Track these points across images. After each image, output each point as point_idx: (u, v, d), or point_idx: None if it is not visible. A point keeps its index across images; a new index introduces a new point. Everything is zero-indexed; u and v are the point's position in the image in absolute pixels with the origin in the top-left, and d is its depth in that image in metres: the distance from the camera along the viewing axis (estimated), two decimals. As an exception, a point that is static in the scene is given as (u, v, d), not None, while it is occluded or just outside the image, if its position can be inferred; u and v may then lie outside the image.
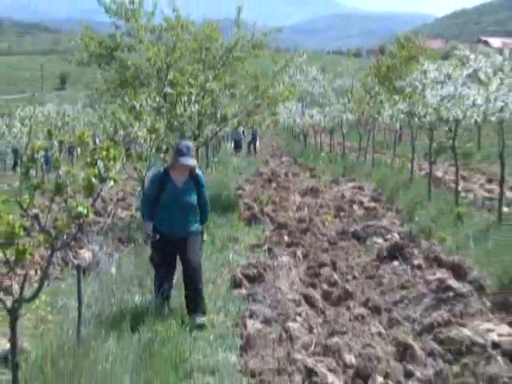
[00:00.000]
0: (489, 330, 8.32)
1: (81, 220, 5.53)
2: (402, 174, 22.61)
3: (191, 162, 8.85)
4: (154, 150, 13.25)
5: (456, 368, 7.50)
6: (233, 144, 41.93)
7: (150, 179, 9.63)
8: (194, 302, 8.88)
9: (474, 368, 7.37)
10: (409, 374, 7.37)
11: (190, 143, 9.18)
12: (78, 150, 37.28)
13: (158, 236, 8.96)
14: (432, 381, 7.26)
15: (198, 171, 9.21)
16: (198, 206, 9.20)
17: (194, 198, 9.08)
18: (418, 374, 7.40)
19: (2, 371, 7.48)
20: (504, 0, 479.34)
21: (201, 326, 8.68)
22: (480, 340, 7.97)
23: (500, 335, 8.19)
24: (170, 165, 9.20)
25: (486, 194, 18.62)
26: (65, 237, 5.51)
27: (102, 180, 5.66)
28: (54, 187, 5.64)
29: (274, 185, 24.61)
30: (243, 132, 41.80)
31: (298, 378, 7.16)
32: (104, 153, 5.61)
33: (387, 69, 47.90)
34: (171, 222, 8.98)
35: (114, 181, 5.78)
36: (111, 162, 5.64)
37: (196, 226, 9.24)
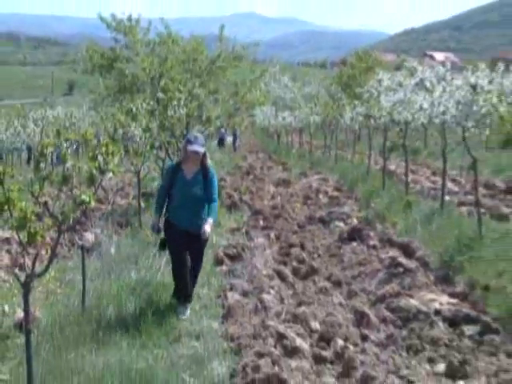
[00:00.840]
0: (432, 300, 8.40)
1: (84, 206, 5.55)
2: (360, 167, 22.65)
3: (197, 148, 7.82)
4: (148, 147, 13.25)
5: (404, 332, 7.56)
6: (217, 142, 41.73)
7: (165, 171, 8.85)
8: (180, 294, 8.13)
9: (419, 332, 7.44)
10: (365, 338, 7.42)
11: (199, 134, 8.30)
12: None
13: (161, 233, 8.24)
14: (384, 343, 7.31)
15: (209, 165, 8.12)
16: (205, 201, 8.04)
17: (201, 193, 7.95)
18: (372, 337, 7.45)
19: (18, 335, 7.49)
20: (446, 21, 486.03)
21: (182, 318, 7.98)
22: (424, 308, 8.04)
23: (441, 304, 8.27)
24: (182, 157, 8.18)
25: (431, 185, 18.69)
26: (71, 221, 5.51)
27: (102, 172, 5.68)
28: (62, 178, 5.67)
29: (251, 177, 24.54)
30: (226, 131, 41.70)
31: (270, 341, 7.19)
32: (104, 148, 5.63)
33: (348, 78, 48.06)
34: (181, 213, 7.95)
35: (113, 172, 5.80)
36: (110, 157, 5.66)
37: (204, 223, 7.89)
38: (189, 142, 7.91)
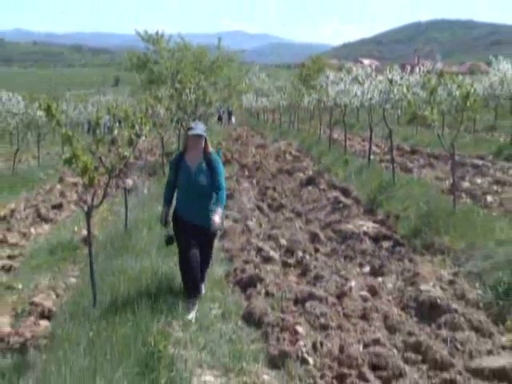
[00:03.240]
0: (361, 225, 8.41)
1: (126, 160, 5.53)
2: (314, 136, 22.55)
3: (199, 131, 5.32)
4: (169, 121, 13.21)
5: (343, 246, 7.58)
6: (216, 118, 41.18)
7: (169, 165, 5.98)
8: (189, 290, 5.38)
9: (353, 246, 7.47)
10: (316, 250, 7.43)
11: (200, 122, 5.79)
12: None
13: (169, 226, 5.59)
14: (329, 254, 7.33)
15: (211, 151, 5.52)
16: (212, 191, 5.44)
17: (206, 181, 5.39)
18: (322, 249, 7.47)
19: (83, 247, 7.59)
20: (371, 38, 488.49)
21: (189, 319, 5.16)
22: (356, 230, 8.06)
23: (367, 227, 8.29)
24: (184, 147, 5.60)
25: (361, 148, 18.64)
26: (117, 170, 5.50)
27: (138, 136, 5.67)
28: (111, 141, 5.63)
29: (239, 142, 24.38)
30: (223, 111, 41.15)
31: (253, 253, 7.22)
32: (139, 120, 5.60)
33: (306, 75, 47.45)
34: (187, 206, 5.40)
35: (145, 137, 5.78)
36: (143, 126, 5.64)
37: (212, 215, 5.30)
38: (189, 128, 5.49)
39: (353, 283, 5.94)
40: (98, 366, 4.01)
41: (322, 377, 4.15)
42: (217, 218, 5.26)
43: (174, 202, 5.62)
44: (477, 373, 4.10)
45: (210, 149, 5.53)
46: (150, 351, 4.07)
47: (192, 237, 5.38)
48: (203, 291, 5.71)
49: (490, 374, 4.06)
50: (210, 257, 5.80)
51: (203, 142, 5.43)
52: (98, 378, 3.82)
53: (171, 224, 5.55)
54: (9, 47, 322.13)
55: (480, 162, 13.63)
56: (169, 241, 5.60)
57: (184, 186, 5.45)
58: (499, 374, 4.05)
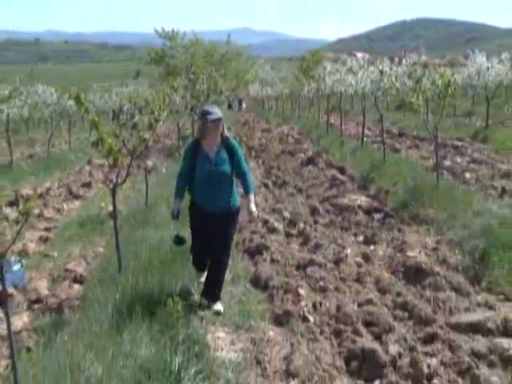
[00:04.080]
0: (356, 199, 8.35)
1: (146, 143, 5.49)
2: (313, 121, 22.33)
3: (218, 114, 4.33)
4: (184, 108, 13.13)
5: (339, 218, 7.53)
6: (227, 105, 40.84)
7: (183, 154, 4.77)
8: (211, 290, 4.57)
9: (348, 218, 7.43)
10: (316, 221, 7.40)
11: (215, 106, 4.65)
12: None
13: (180, 232, 4.74)
14: (328, 225, 7.29)
15: (229, 136, 4.54)
16: (233, 177, 4.56)
17: (227, 168, 4.45)
18: (320, 221, 7.43)
19: (109, 221, 7.52)
20: (363, 34, 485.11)
21: (218, 313, 4.46)
22: (351, 204, 8.00)
23: (361, 201, 8.23)
24: (200, 134, 4.49)
25: (355, 131, 18.44)
26: (138, 152, 5.47)
27: (157, 121, 5.62)
28: (132, 125, 5.60)
29: (246, 127, 24.22)
30: (233, 99, 40.85)
31: (259, 224, 7.17)
32: (157, 107, 5.54)
33: (306, 67, 46.92)
34: (206, 195, 4.44)
35: (163, 122, 5.74)
36: (161, 112, 5.60)
37: (233, 203, 4.54)
38: (207, 113, 4.40)
39: (348, 251, 5.92)
40: (124, 323, 4.05)
41: (321, 333, 4.16)
42: (253, 207, 4.54)
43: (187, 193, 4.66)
44: (455, 327, 4.15)
45: (226, 133, 4.55)
46: (170, 311, 4.08)
47: (207, 228, 4.49)
48: (221, 307, 4.54)
49: (466, 327, 4.12)
50: (227, 253, 4.62)
51: (222, 126, 4.46)
52: (124, 335, 3.85)
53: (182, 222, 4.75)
54: (43, 46, 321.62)
55: (459, 144, 13.57)
56: (178, 241, 4.69)
57: (204, 175, 4.44)
58: (474, 327, 4.10)
